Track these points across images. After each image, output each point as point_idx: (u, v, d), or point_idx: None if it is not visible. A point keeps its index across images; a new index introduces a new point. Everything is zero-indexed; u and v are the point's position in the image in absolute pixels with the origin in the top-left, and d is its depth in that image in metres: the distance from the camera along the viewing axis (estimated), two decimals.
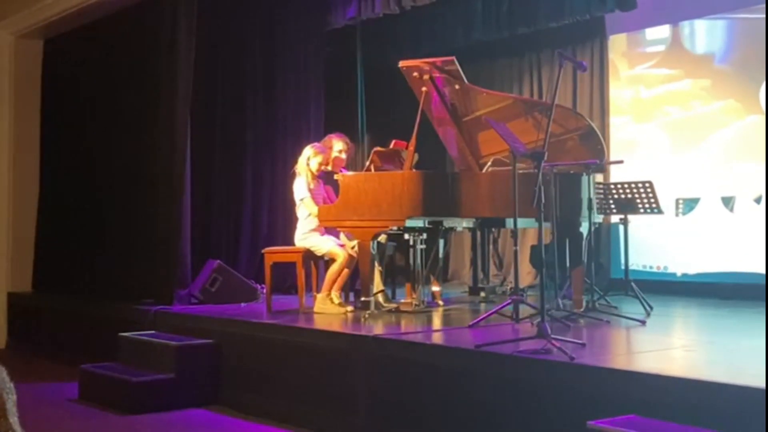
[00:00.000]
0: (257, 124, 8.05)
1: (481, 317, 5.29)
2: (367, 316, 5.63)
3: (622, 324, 5.33)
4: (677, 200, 7.62)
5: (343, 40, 8.57)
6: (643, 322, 5.26)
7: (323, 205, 6.17)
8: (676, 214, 7.61)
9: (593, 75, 8.21)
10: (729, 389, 3.28)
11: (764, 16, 6.62)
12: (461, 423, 4.17)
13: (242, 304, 6.85)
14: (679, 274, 7.63)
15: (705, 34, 7.76)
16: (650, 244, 7.73)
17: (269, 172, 8.01)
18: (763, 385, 3.15)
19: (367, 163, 6.34)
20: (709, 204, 7.44)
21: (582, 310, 5.54)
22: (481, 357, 4.19)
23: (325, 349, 5.07)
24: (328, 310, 5.99)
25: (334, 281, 6.05)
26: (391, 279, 6.89)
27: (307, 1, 8.21)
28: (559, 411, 3.73)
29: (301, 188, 6.24)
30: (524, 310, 5.35)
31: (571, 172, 5.69)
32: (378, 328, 5.25)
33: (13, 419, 1.89)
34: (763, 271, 6.65)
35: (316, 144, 6.51)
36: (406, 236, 6.11)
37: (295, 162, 6.37)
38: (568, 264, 5.68)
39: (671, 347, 4.71)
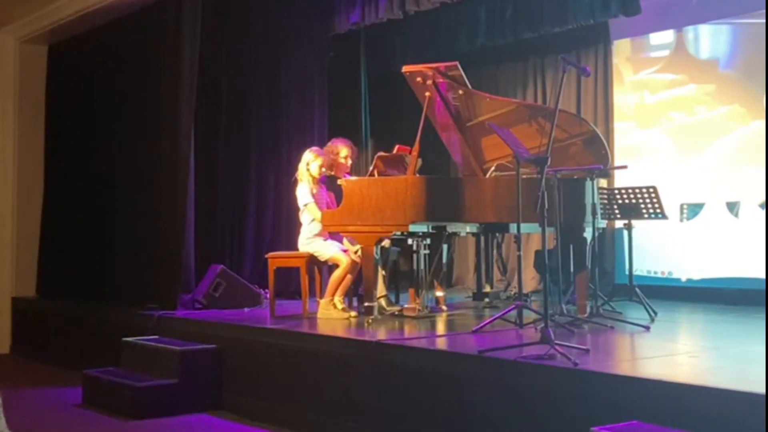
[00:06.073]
0: (261, 128, 8.07)
1: (484, 323, 5.29)
2: (370, 321, 5.63)
3: (626, 330, 5.31)
4: (682, 205, 7.60)
5: (347, 45, 8.57)
6: (648, 328, 5.25)
7: (327, 210, 6.17)
8: (681, 220, 7.59)
9: (597, 80, 8.19)
10: (733, 396, 3.26)
11: (765, 21, 6.61)
12: (464, 428, 4.16)
13: (246, 309, 6.84)
14: (683, 279, 7.61)
15: (709, 39, 7.75)
16: (655, 250, 7.71)
17: (273, 177, 8.02)
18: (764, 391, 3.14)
19: (371, 168, 6.34)
20: (713, 209, 7.42)
21: (586, 315, 5.53)
22: (484, 362, 4.18)
23: (328, 354, 5.06)
24: (331, 315, 5.98)
25: (337, 286, 6.05)
26: (395, 284, 6.89)
27: (310, 6, 8.22)
28: (563, 417, 3.72)
29: (304, 194, 6.24)
30: (528, 316, 5.33)
31: (575, 177, 5.68)
32: (381, 334, 5.25)
33: (1, 421, 1.91)
34: None
35: (314, 148, 6.50)
36: (410, 241, 6.10)
37: (297, 167, 6.37)
38: (572, 269, 5.67)
39: (675, 353, 4.69)
